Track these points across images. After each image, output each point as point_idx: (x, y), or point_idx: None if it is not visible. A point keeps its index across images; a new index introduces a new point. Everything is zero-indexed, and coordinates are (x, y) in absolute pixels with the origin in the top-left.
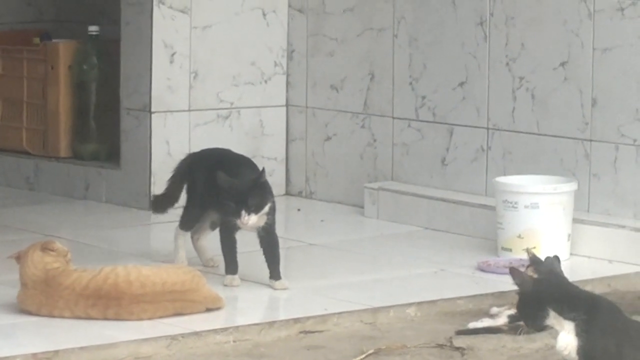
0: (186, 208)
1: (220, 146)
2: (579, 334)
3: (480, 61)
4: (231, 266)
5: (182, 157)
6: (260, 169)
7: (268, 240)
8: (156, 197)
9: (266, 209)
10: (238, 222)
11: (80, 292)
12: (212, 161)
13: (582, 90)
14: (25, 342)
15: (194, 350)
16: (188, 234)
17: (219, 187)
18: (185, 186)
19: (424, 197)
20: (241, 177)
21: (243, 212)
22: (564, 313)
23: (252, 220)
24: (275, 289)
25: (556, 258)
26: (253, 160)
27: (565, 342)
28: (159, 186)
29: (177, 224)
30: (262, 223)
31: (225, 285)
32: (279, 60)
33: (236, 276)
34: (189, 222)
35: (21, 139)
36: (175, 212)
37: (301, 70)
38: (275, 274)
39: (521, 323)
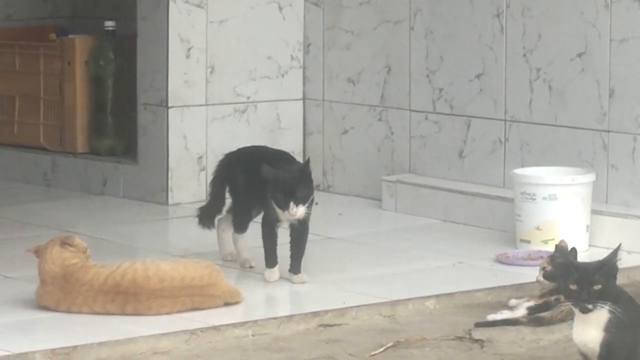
0: (235, 211)
1: (237, 140)
2: (607, 328)
3: (497, 53)
4: (271, 260)
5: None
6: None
7: (299, 232)
8: (202, 209)
9: (311, 200)
10: (286, 213)
11: (98, 287)
12: (252, 158)
13: (600, 81)
14: (43, 338)
15: (213, 345)
16: (245, 235)
17: (264, 181)
18: (227, 187)
19: (442, 189)
20: (284, 170)
21: (291, 204)
22: (612, 305)
23: (300, 212)
24: (293, 283)
25: (574, 250)
26: None
27: (592, 335)
28: (176, 181)
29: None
30: (304, 214)
31: (266, 280)
32: (296, 54)
33: (275, 269)
34: (242, 224)
35: (38, 135)
36: (193, 206)
37: (318, 64)
38: (295, 268)
39: (543, 314)
